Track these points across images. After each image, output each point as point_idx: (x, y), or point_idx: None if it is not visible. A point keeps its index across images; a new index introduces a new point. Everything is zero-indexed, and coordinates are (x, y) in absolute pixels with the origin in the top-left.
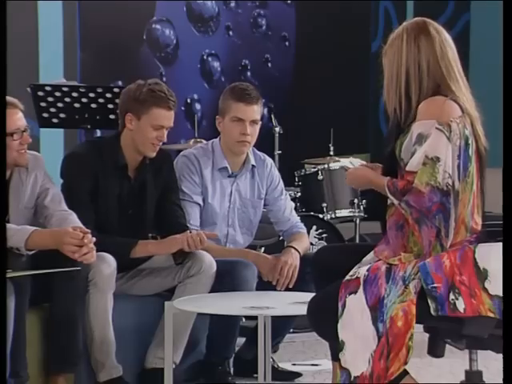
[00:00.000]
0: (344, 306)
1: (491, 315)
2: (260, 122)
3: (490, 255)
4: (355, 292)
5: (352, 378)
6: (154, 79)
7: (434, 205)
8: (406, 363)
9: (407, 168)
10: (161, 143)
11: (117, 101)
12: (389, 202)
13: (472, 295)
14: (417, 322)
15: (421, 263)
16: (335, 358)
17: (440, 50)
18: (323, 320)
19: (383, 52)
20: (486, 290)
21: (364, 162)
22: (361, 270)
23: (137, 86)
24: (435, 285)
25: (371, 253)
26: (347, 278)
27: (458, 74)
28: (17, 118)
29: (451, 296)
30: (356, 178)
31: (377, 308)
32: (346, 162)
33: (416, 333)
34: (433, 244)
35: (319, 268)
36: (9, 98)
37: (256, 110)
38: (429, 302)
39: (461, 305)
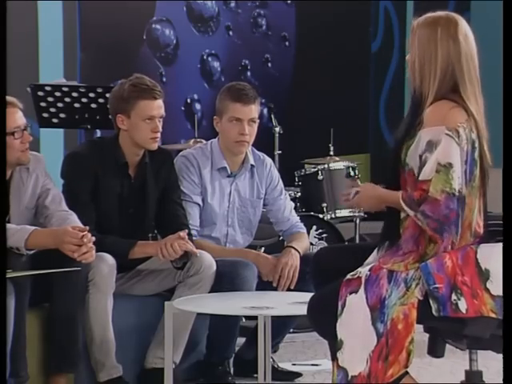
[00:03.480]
0: (344, 305)
1: (493, 316)
2: (258, 121)
3: (492, 255)
4: (356, 291)
5: (349, 378)
6: (135, 74)
7: (452, 212)
8: (406, 366)
9: (420, 177)
10: (159, 134)
11: None
12: (402, 215)
13: (474, 296)
14: (418, 323)
15: (422, 264)
16: (335, 357)
17: (465, 58)
18: (323, 319)
19: (413, 28)
20: (487, 290)
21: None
22: (363, 270)
23: (119, 86)
24: (437, 285)
25: (373, 253)
26: (348, 277)
27: (476, 84)
28: (17, 117)
29: (453, 296)
30: (368, 200)
31: (377, 308)
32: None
33: (416, 333)
34: (448, 250)
35: (319, 269)
36: (7, 97)
37: (254, 110)
38: (430, 302)
39: (463, 305)
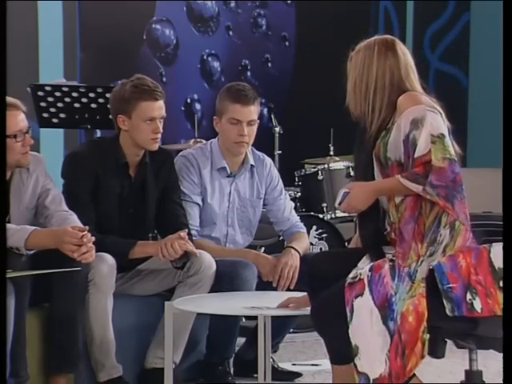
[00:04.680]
0: (352, 310)
1: None
2: (258, 122)
3: None
4: (361, 294)
5: (371, 381)
6: (137, 75)
7: (457, 176)
8: (422, 357)
9: (416, 155)
10: (159, 135)
11: None
12: (397, 200)
13: (488, 295)
14: (428, 322)
15: (436, 264)
16: (334, 361)
17: (405, 69)
18: (329, 323)
19: (349, 58)
20: (501, 289)
21: (348, 186)
22: (362, 271)
23: (120, 86)
24: (451, 285)
25: (363, 260)
26: (349, 280)
27: (421, 91)
28: (19, 120)
29: (468, 296)
30: (361, 197)
31: (385, 307)
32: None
33: None
34: (467, 215)
35: (315, 277)
36: (11, 100)
37: (253, 111)
38: (444, 302)
39: (478, 305)
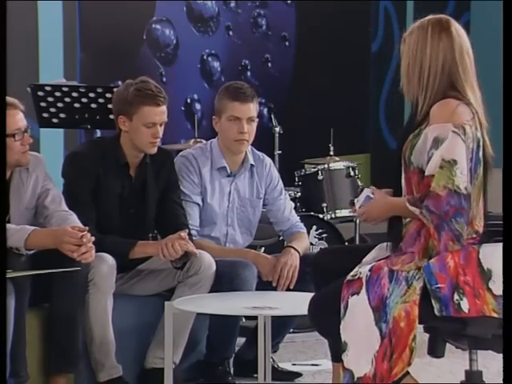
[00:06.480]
0: (346, 307)
1: (495, 315)
2: (257, 120)
3: (494, 255)
4: (358, 293)
5: (355, 379)
6: (141, 77)
7: (452, 208)
8: (409, 364)
9: (426, 173)
10: (158, 139)
11: None
12: (405, 221)
13: (476, 295)
14: (420, 323)
15: (425, 264)
16: (335, 359)
17: (459, 52)
18: (324, 319)
19: (402, 39)
20: (490, 290)
21: (372, 190)
22: (362, 270)
23: (125, 87)
24: (439, 285)
25: (371, 252)
26: (349, 278)
27: (473, 78)
28: (18, 119)
29: (456, 296)
30: (377, 209)
31: (380, 308)
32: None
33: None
34: (450, 247)
35: (319, 271)
36: (9, 99)
37: (252, 108)
38: (432, 302)
39: (465, 305)
